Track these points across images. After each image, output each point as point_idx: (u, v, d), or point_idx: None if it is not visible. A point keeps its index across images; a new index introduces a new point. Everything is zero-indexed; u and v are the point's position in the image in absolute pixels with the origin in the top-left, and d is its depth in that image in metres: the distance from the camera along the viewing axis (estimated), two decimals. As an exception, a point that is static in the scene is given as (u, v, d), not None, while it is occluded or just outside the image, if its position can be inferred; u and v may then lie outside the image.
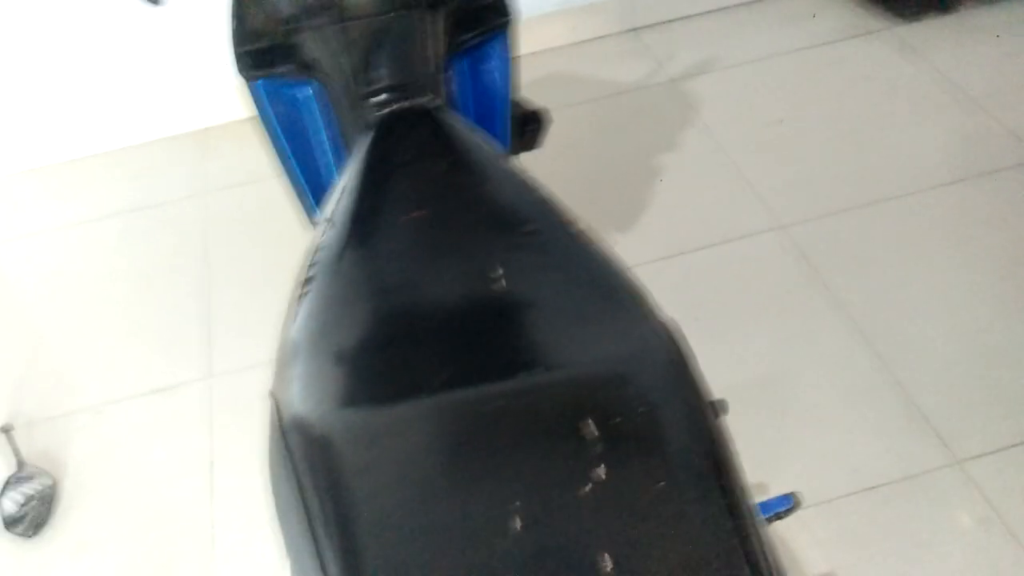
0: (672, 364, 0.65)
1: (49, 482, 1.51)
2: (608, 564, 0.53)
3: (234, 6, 1.13)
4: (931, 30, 2.21)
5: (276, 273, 1.80)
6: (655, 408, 0.62)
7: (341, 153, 1.33)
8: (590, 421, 0.60)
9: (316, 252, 0.84)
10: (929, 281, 1.65)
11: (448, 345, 0.72)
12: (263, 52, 1.18)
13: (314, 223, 1.41)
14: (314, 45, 1.13)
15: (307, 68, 1.20)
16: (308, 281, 0.81)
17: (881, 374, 1.51)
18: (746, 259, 1.74)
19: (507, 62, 1.25)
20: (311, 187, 1.35)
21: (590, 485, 0.57)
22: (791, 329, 1.60)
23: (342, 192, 0.91)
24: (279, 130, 1.31)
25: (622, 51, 2.30)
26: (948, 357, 1.52)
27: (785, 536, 1.30)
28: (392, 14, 1.04)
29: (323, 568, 0.56)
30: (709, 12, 2.37)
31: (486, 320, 0.73)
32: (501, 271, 0.76)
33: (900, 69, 2.12)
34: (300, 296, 0.80)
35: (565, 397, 0.64)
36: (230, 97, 2.22)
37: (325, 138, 1.34)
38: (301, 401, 0.68)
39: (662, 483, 0.57)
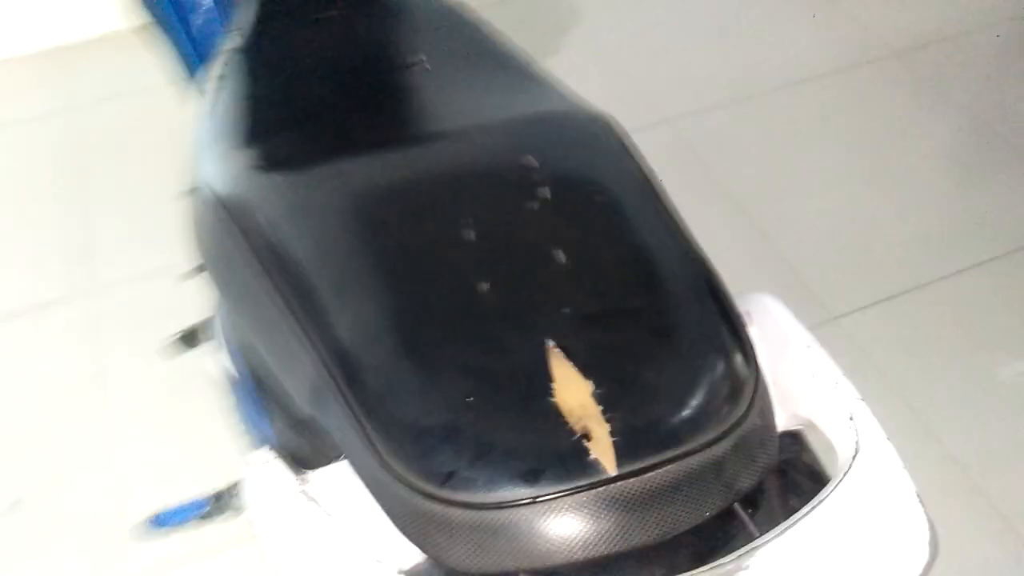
0: (601, 117, 0.70)
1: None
2: (562, 256, 0.57)
3: None
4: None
5: (150, 185, 1.73)
6: (591, 143, 0.67)
7: (227, 8, 1.27)
8: (531, 156, 0.64)
9: (226, 55, 0.83)
10: (802, 164, 1.77)
11: (380, 109, 0.73)
12: None
13: (200, 88, 1.36)
14: None
15: None
16: (221, 78, 0.80)
17: (766, 248, 1.62)
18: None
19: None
20: (195, 46, 1.28)
21: (536, 202, 0.61)
22: (683, 214, 1.68)
23: (247, 4, 0.89)
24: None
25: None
26: (822, 229, 1.65)
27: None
28: None
29: (292, 313, 0.57)
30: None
31: (410, 90, 0.75)
32: (422, 56, 0.77)
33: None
34: (214, 91, 0.79)
35: (505, 137, 0.67)
36: (88, 12, 2.10)
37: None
38: (240, 177, 0.67)
39: (601, 196, 0.62)
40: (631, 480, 0.48)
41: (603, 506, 0.48)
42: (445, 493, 0.49)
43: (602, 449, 0.49)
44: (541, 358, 0.52)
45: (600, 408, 0.50)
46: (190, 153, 0.81)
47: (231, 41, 0.85)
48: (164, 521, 0.92)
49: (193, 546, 1.21)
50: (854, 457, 0.47)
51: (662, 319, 0.56)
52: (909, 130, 1.83)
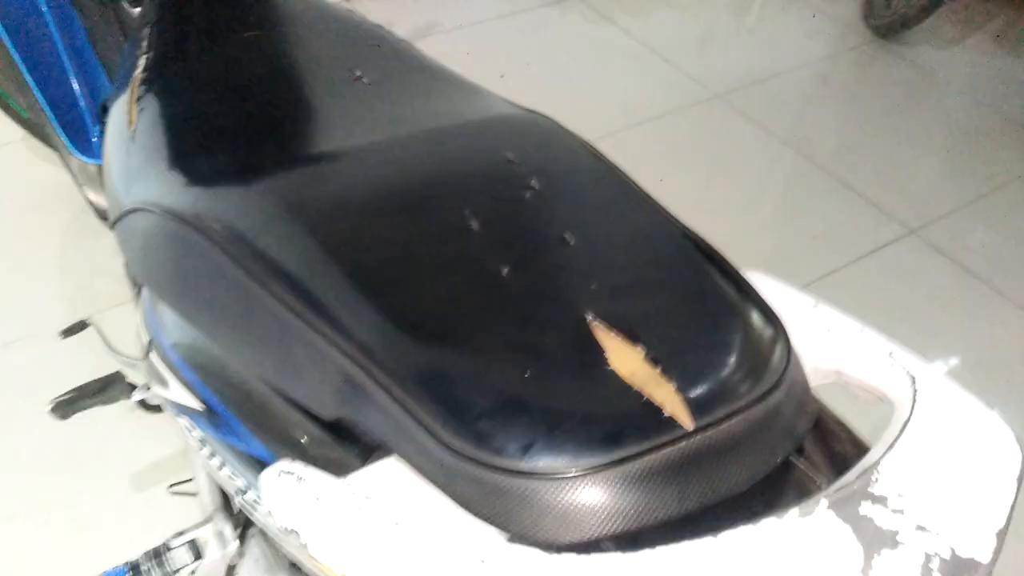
0: (550, 121, 0.73)
1: None
2: (572, 238, 0.58)
3: None
4: None
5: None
6: (557, 140, 0.69)
7: (93, 69, 1.19)
8: (510, 153, 0.65)
9: (140, 81, 0.78)
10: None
11: (334, 118, 0.71)
12: None
13: (65, 157, 1.25)
14: None
15: None
16: (140, 101, 0.75)
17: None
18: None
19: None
20: (58, 114, 1.18)
21: (529, 192, 0.61)
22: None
23: (152, 28, 0.84)
24: (10, 45, 1.14)
25: (339, 20, 2.31)
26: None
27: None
28: None
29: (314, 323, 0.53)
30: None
31: (360, 100, 0.73)
32: (359, 72, 0.77)
33: (593, 30, 2.39)
34: (134, 116, 0.74)
35: (477, 136, 0.68)
36: None
37: (66, 57, 1.19)
38: (202, 191, 0.62)
39: (588, 185, 0.65)
40: (707, 433, 0.48)
41: (685, 461, 0.47)
42: (526, 466, 0.46)
43: (674, 406, 0.48)
44: (585, 331, 0.52)
45: (657, 370, 0.50)
46: (110, 180, 0.74)
47: (143, 68, 0.80)
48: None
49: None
50: (914, 383, 0.50)
51: (686, 285, 0.57)
52: (739, 163, 2.01)
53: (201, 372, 0.64)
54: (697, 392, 0.49)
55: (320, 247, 0.56)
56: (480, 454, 0.46)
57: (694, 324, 0.54)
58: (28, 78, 1.14)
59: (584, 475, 0.46)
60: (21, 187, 1.69)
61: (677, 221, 0.64)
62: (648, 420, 0.48)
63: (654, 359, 0.50)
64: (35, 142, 1.45)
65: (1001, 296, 1.74)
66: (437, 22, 2.32)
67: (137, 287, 0.84)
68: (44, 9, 1.15)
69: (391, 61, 0.81)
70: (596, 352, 0.51)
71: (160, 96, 0.74)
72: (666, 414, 0.48)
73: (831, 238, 1.84)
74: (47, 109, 1.16)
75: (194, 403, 0.65)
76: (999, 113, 2.26)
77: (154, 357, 0.71)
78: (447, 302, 0.54)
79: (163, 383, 0.70)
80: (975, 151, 2.13)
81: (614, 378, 0.49)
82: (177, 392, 0.67)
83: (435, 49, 2.34)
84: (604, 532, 0.46)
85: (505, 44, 2.29)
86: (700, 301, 0.56)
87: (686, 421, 0.48)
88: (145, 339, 0.73)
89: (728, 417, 0.49)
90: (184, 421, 0.68)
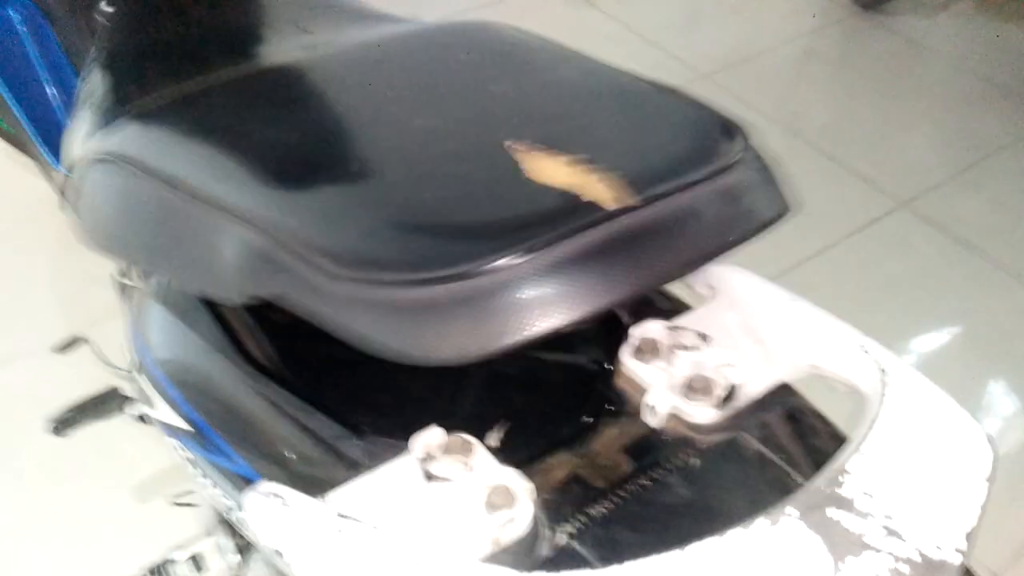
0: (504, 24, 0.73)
1: None
2: (499, 87, 0.59)
3: None
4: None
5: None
6: (506, 34, 0.70)
7: (70, 82, 1.18)
8: (465, 54, 0.66)
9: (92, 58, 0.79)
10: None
11: (269, 56, 0.73)
12: None
13: (48, 171, 1.24)
14: None
15: None
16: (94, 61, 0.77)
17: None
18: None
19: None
20: (39, 129, 1.18)
21: (490, 92, 0.61)
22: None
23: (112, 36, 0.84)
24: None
25: None
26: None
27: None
28: None
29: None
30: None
31: (310, 41, 0.74)
32: (308, 28, 0.77)
33: (576, 15, 2.38)
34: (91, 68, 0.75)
35: (439, 40, 0.69)
36: None
37: (43, 71, 1.19)
38: (126, 129, 0.63)
39: (534, 59, 0.66)
40: (629, 214, 0.47)
41: (607, 243, 0.46)
42: (432, 273, 0.44)
43: (595, 191, 0.47)
44: (501, 153, 0.51)
45: (580, 166, 0.49)
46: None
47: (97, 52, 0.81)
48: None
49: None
50: (884, 377, 0.50)
51: (627, 105, 0.59)
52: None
53: (185, 390, 0.65)
54: (620, 178, 0.49)
55: (228, 140, 0.57)
56: (387, 268, 0.45)
57: (628, 127, 0.55)
58: (6, 94, 1.14)
59: (496, 272, 0.44)
60: (8, 201, 1.69)
61: (640, 76, 0.64)
62: (566, 207, 0.47)
63: (579, 160, 0.50)
64: (21, 156, 1.45)
65: (995, 265, 1.74)
66: (420, 14, 2.30)
67: (124, 296, 0.84)
68: (20, 29, 1.14)
69: (344, 17, 0.81)
70: (511, 167, 0.50)
71: (102, 72, 0.75)
72: (586, 199, 0.47)
73: (821, 215, 1.83)
74: (27, 124, 1.16)
75: (181, 423, 0.66)
76: (985, 80, 2.25)
77: (140, 377, 0.72)
78: (355, 151, 0.54)
79: (150, 403, 0.71)
80: (963, 120, 2.13)
81: (529, 183, 0.49)
82: (164, 412, 0.68)
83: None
84: (522, 336, 0.44)
85: (489, 33, 2.29)
86: (638, 109, 0.57)
87: (607, 200, 0.47)
88: (131, 358, 0.74)
89: (653, 200, 0.48)
90: (173, 442, 0.68)
